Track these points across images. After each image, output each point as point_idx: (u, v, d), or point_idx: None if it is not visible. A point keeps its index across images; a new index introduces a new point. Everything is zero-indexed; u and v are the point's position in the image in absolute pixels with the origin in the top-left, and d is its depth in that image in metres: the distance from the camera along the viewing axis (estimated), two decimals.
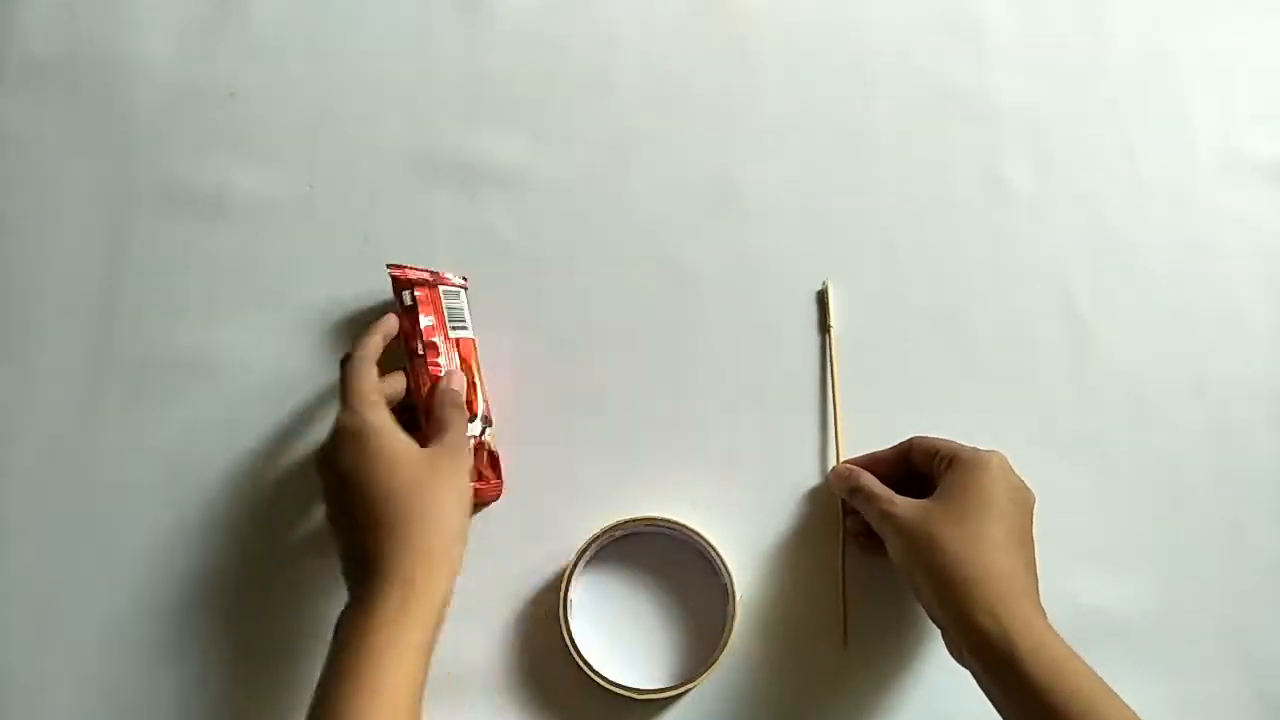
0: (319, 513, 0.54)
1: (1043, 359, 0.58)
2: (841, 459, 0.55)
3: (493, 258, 0.59)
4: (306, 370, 0.56)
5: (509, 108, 0.61)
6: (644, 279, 0.58)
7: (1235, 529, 0.56)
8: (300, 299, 0.57)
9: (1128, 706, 0.41)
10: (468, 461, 0.48)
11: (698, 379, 0.57)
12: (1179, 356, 0.58)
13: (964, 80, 0.63)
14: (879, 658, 0.53)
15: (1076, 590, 0.54)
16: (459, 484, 0.46)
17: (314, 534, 0.54)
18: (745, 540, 0.54)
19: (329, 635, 0.43)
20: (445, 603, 0.44)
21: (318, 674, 0.41)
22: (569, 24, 0.63)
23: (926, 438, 0.51)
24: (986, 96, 0.62)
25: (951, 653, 0.46)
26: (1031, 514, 0.48)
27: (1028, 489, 0.48)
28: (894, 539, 0.47)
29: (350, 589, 0.44)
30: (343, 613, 0.43)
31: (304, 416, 0.56)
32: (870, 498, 0.49)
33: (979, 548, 0.44)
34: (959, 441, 0.50)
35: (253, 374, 0.56)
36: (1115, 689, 0.41)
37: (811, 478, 0.55)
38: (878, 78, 0.63)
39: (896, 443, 0.53)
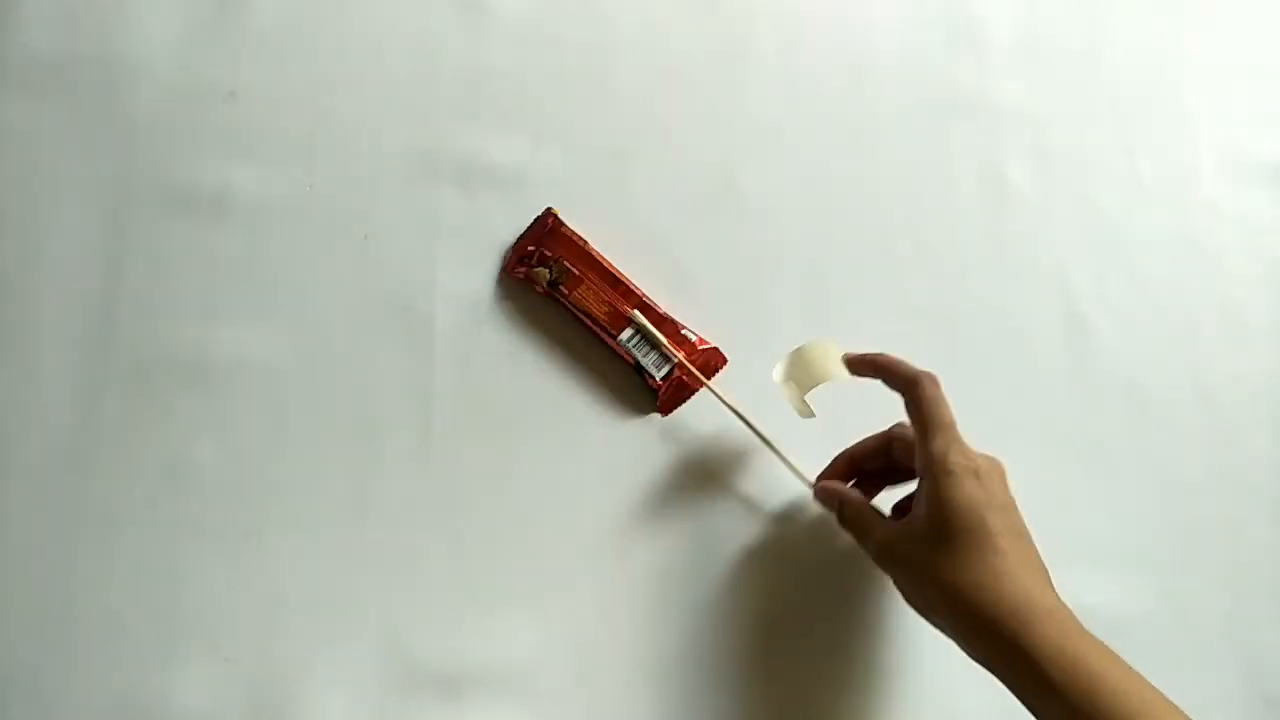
0: (316, 512, 0.54)
1: (1043, 359, 0.58)
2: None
3: (493, 258, 0.59)
4: (305, 371, 0.56)
5: (509, 108, 0.61)
6: (643, 278, 0.58)
7: (1234, 528, 0.56)
8: (300, 299, 0.57)
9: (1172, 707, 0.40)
10: None
11: None
12: (1179, 356, 0.58)
13: (964, 80, 0.63)
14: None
15: (1076, 589, 0.53)
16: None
17: (315, 532, 0.54)
18: (746, 540, 0.54)
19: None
20: None
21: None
22: (569, 24, 0.63)
23: (906, 429, 0.49)
24: (986, 96, 0.62)
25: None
26: (1016, 507, 0.45)
27: (1007, 490, 0.45)
28: (897, 573, 0.46)
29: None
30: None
31: (303, 415, 0.56)
32: (856, 525, 0.48)
33: (989, 583, 0.42)
34: (934, 429, 0.46)
35: (253, 374, 0.56)
36: None
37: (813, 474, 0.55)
38: (878, 77, 0.63)
39: (879, 431, 0.51)
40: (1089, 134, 0.62)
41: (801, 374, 0.51)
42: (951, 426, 0.46)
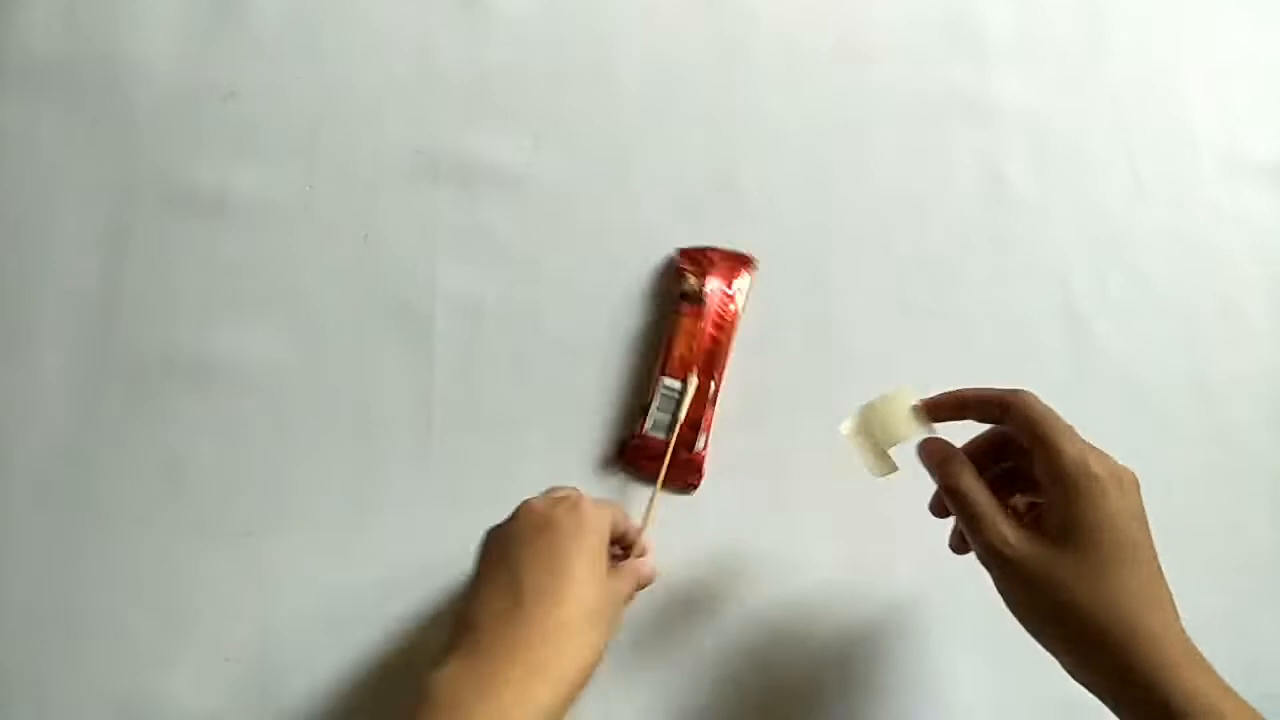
0: (316, 512, 0.54)
1: (1042, 359, 0.58)
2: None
3: (493, 258, 0.59)
4: (306, 371, 0.56)
5: (510, 108, 0.61)
6: (644, 278, 0.58)
7: (1234, 528, 0.56)
8: (300, 299, 0.57)
9: None
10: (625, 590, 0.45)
11: None
12: (1179, 356, 0.58)
13: (964, 80, 0.63)
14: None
15: None
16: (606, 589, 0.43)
17: (315, 532, 0.54)
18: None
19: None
20: (576, 687, 0.41)
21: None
22: (569, 24, 0.63)
23: (1030, 407, 0.42)
24: (986, 96, 0.62)
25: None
26: (1150, 533, 0.41)
27: (1142, 507, 0.41)
28: (1008, 583, 0.40)
29: (455, 644, 0.41)
30: (440, 673, 0.40)
31: (303, 415, 0.56)
32: (974, 517, 0.40)
33: (1123, 605, 0.39)
34: (1061, 435, 0.40)
35: (252, 374, 0.56)
36: None
37: (817, 475, 0.55)
38: (878, 77, 0.63)
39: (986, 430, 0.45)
40: (1089, 134, 0.62)
41: (874, 432, 0.46)
42: (1075, 431, 0.41)
